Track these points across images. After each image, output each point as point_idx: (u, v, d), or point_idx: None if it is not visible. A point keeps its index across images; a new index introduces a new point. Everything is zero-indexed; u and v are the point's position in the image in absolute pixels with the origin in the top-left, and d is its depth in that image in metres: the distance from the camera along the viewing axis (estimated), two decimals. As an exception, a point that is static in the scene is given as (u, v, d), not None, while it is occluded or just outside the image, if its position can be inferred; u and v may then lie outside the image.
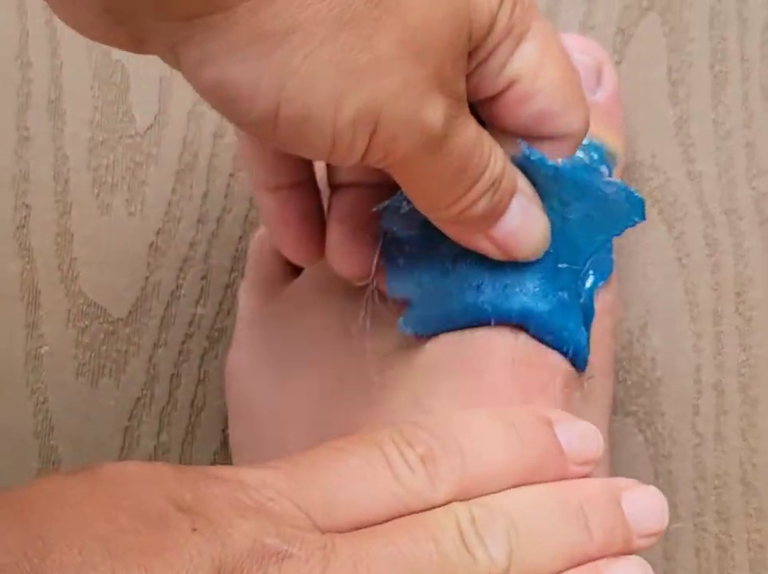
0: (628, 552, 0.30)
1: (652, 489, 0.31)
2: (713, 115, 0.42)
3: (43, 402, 0.41)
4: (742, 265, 0.41)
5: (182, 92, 0.42)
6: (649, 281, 0.41)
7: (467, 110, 0.29)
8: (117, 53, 0.42)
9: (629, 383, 0.41)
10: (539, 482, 0.30)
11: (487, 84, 0.30)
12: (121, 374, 0.41)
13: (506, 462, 0.30)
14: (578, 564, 0.30)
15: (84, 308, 0.41)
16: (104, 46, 0.40)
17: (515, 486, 0.30)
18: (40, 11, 0.42)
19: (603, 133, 0.38)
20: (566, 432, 0.31)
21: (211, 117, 0.41)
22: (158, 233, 0.41)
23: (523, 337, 0.33)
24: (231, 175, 0.41)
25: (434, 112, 0.27)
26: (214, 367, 0.41)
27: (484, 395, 0.33)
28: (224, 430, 0.41)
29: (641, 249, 0.41)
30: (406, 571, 0.27)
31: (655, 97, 0.42)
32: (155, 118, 0.42)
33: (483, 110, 0.31)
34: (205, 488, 0.27)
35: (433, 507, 0.29)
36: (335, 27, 0.25)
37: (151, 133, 0.42)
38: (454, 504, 0.29)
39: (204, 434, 0.41)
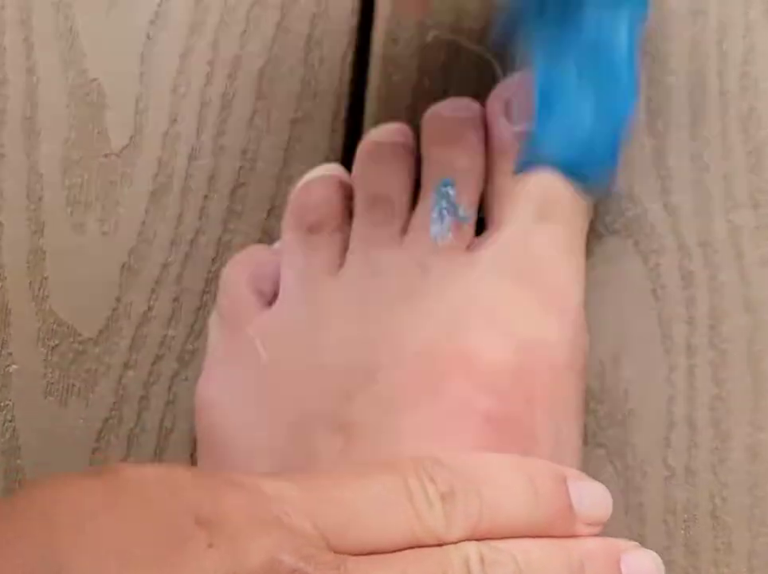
0: None
1: (652, 553, 0.33)
2: (691, 148, 0.42)
3: (10, 421, 0.41)
4: (717, 298, 0.42)
5: (158, 113, 0.42)
6: (623, 313, 0.42)
7: None
8: (94, 72, 0.42)
9: (601, 413, 0.41)
10: (546, 537, 0.32)
11: None
12: (90, 394, 0.42)
13: (520, 515, 0.31)
14: None
15: (55, 327, 0.42)
16: (81, 65, 0.41)
17: (523, 537, 0.31)
18: (17, 26, 0.43)
19: None
20: (578, 491, 0.33)
21: (186, 139, 0.42)
22: (130, 253, 0.42)
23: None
24: (206, 197, 0.42)
25: None
26: (184, 389, 0.41)
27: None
28: (192, 455, 0.41)
29: (616, 280, 0.42)
30: None
31: (633, 128, 0.42)
32: (131, 138, 0.42)
33: None
34: (224, 497, 0.27)
35: (444, 544, 0.30)
36: None
37: (126, 153, 0.42)
38: (465, 542, 0.30)
39: (172, 457, 0.41)
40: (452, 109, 0.40)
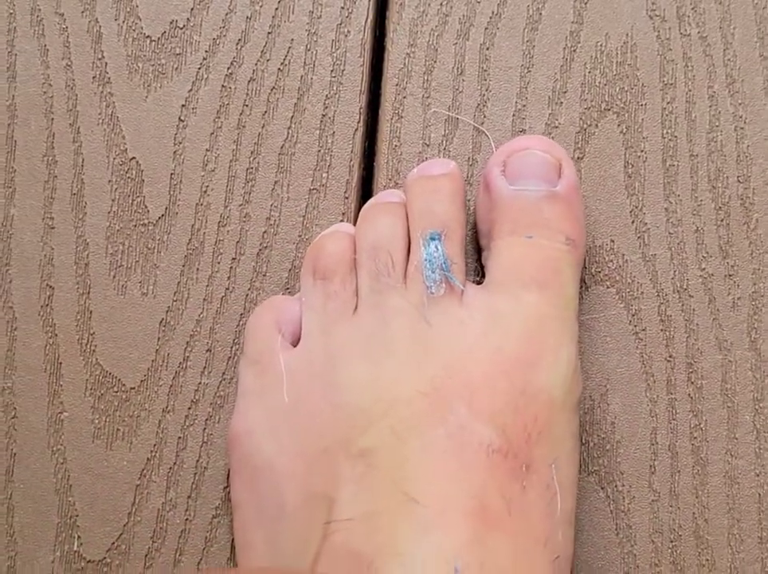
0: None
1: None
2: (665, 205, 0.50)
3: (62, 463, 0.50)
4: (693, 338, 0.50)
5: (190, 187, 0.51)
6: (609, 354, 0.50)
7: None
8: (133, 151, 0.51)
9: (591, 444, 0.49)
10: None
11: None
12: (133, 437, 0.50)
13: None
14: None
15: (101, 378, 0.50)
16: (122, 146, 0.50)
17: None
18: (65, 114, 0.52)
19: (566, 222, 0.47)
20: None
21: (216, 209, 0.51)
22: (167, 311, 0.50)
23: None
24: (234, 259, 0.50)
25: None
26: (217, 431, 0.50)
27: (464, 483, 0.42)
28: (225, 488, 0.49)
29: (602, 325, 0.50)
30: None
31: (613, 189, 0.51)
32: (166, 209, 0.51)
33: None
34: None
35: None
36: None
37: (162, 222, 0.51)
38: None
39: (207, 491, 0.49)
40: (430, 168, 0.48)
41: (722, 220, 0.50)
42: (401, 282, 0.46)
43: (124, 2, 0.52)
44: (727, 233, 0.50)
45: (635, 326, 0.49)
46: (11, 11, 0.52)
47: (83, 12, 0.52)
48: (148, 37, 0.52)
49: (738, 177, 0.50)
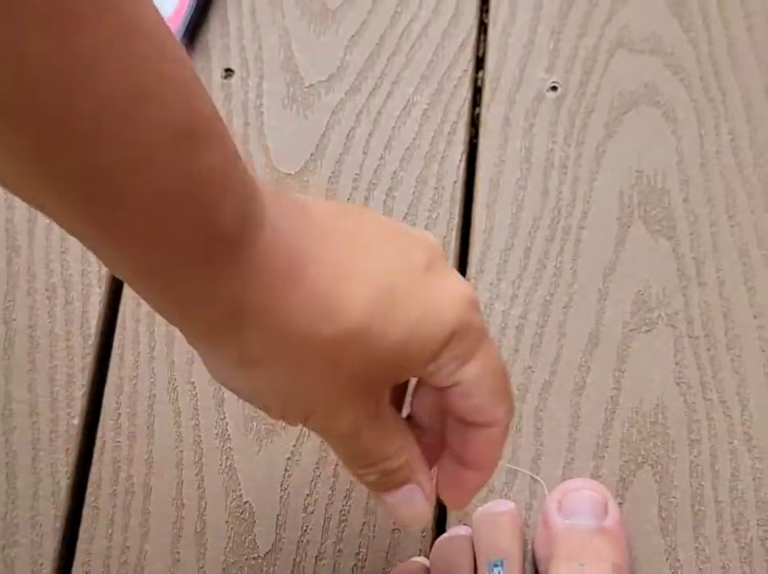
0: None
1: None
2: (695, 544, 0.60)
3: None
4: None
5: (293, 526, 0.62)
6: None
7: (379, 419, 0.46)
8: (246, 496, 0.62)
9: None
10: None
11: (437, 381, 0.46)
12: None
13: None
14: None
15: None
16: (237, 492, 0.61)
17: None
18: (192, 464, 0.64)
19: (613, 552, 0.57)
20: None
21: (314, 545, 0.61)
22: (272, 633, 0.61)
23: None
24: (328, 589, 0.61)
25: (342, 422, 0.45)
26: None
27: None
28: None
29: None
30: None
31: (649, 530, 0.60)
32: (273, 545, 0.61)
33: (441, 396, 0.47)
34: None
35: None
36: (289, 365, 0.43)
37: (270, 556, 0.61)
38: None
39: None
40: (493, 506, 0.60)
41: (745, 558, 0.59)
42: None
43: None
44: (750, 569, 0.59)
45: None
46: (152, 380, 0.65)
47: (209, 380, 0.65)
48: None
49: (758, 520, 0.60)
